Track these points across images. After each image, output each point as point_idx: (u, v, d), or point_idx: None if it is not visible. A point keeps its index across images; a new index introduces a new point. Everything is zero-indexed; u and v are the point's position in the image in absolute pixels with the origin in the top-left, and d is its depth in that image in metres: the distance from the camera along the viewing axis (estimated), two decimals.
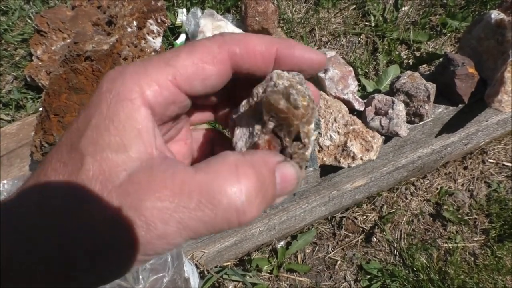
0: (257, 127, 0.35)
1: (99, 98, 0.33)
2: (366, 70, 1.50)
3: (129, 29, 1.12)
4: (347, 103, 1.07)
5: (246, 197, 0.29)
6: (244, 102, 0.37)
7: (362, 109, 1.07)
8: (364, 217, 1.42)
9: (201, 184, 0.29)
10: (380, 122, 1.03)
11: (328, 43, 1.61)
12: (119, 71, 0.34)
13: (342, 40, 1.61)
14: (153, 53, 1.09)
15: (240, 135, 0.38)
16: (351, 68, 1.08)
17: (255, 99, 0.36)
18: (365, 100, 1.09)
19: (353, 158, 0.99)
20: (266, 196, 0.31)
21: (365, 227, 1.41)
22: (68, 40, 1.33)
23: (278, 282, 1.34)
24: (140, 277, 0.85)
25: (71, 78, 0.92)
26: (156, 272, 0.87)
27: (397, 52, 1.52)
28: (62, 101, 0.91)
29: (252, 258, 1.33)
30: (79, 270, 0.29)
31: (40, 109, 1.12)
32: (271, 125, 0.34)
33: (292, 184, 0.33)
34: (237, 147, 0.37)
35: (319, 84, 1.10)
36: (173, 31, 1.50)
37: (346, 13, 1.66)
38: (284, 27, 1.59)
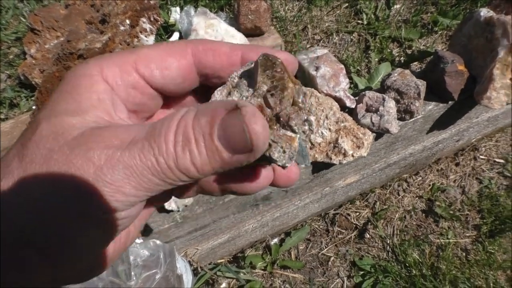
0: (246, 93, 0.34)
1: (64, 79, 0.34)
2: (358, 67, 1.51)
3: (122, 27, 1.13)
4: (338, 100, 1.08)
5: (179, 141, 0.29)
6: (219, 88, 0.36)
7: (353, 106, 1.08)
8: (357, 213, 1.43)
9: (148, 133, 0.29)
10: (371, 119, 1.04)
11: (321, 41, 1.62)
12: (86, 60, 0.36)
13: (335, 38, 1.62)
14: None
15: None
16: (343, 66, 1.09)
17: (235, 80, 0.35)
18: (357, 98, 1.10)
19: (344, 154, 1.00)
20: (201, 149, 0.29)
21: (358, 224, 1.42)
22: (62, 39, 1.33)
23: (272, 278, 1.34)
24: (132, 273, 0.85)
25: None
26: (148, 268, 0.88)
27: (389, 50, 1.54)
28: None
29: (246, 255, 1.34)
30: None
31: (34, 107, 1.12)
32: (264, 87, 0.32)
33: (237, 138, 0.29)
34: None
35: (310, 81, 1.10)
36: (167, 29, 1.50)
37: (338, 11, 1.67)
38: (277, 25, 1.60)
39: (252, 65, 0.34)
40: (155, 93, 0.37)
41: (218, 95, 0.35)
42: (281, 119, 0.33)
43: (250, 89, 0.34)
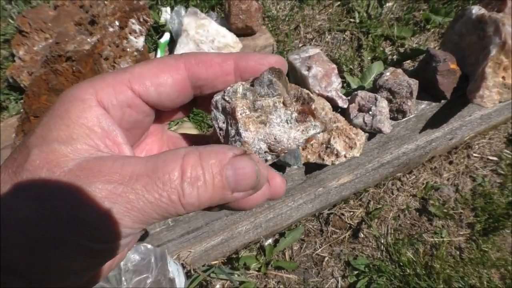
0: (266, 95, 0.38)
1: (55, 102, 0.34)
2: (351, 66, 1.50)
3: (111, 29, 1.11)
4: (330, 100, 1.07)
5: (186, 182, 0.31)
6: (219, 93, 0.38)
7: (345, 106, 1.07)
8: (351, 213, 1.43)
9: (149, 169, 0.31)
10: (364, 119, 1.03)
11: (313, 40, 1.61)
12: (79, 83, 0.35)
13: (327, 37, 1.61)
14: (135, 53, 1.08)
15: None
16: (335, 66, 1.08)
17: (219, 105, 0.38)
18: (349, 97, 1.09)
19: (337, 155, 0.99)
20: (208, 185, 0.32)
21: (352, 223, 1.41)
22: (50, 40, 1.31)
23: (266, 279, 1.34)
24: (123, 278, 0.84)
25: (51, 79, 0.91)
26: (139, 273, 0.87)
27: (381, 49, 1.53)
28: (42, 102, 0.90)
29: (240, 256, 1.33)
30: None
31: (21, 110, 1.11)
32: (285, 92, 0.38)
33: (248, 177, 0.33)
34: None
35: (302, 81, 1.09)
36: (157, 29, 1.49)
37: (330, 10, 1.66)
38: (269, 25, 1.59)
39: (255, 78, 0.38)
40: (150, 110, 0.38)
41: (219, 98, 0.38)
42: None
43: (270, 91, 0.37)
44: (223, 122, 0.39)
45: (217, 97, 0.38)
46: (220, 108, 0.38)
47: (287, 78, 0.37)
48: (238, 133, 0.37)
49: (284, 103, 0.37)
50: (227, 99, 0.38)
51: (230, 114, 0.38)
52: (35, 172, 0.31)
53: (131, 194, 0.30)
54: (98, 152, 0.33)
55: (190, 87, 0.38)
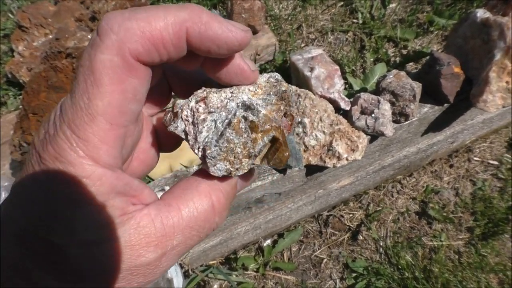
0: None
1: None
2: (353, 67, 1.49)
3: None
4: (333, 102, 1.06)
5: (221, 217, 0.36)
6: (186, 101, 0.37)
7: (348, 108, 1.07)
8: (351, 215, 1.42)
9: (189, 221, 0.33)
10: (366, 121, 1.02)
11: (316, 40, 1.60)
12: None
13: (330, 37, 1.60)
14: None
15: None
16: (338, 67, 1.07)
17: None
18: (351, 99, 1.08)
19: (339, 158, 0.98)
20: (230, 204, 0.38)
21: (351, 225, 1.41)
22: (50, 36, 1.30)
23: (264, 280, 1.33)
24: None
25: (50, 76, 0.90)
26: None
27: (384, 50, 1.52)
28: (41, 99, 0.89)
29: (238, 256, 1.33)
30: None
31: (20, 107, 1.10)
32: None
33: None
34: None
35: (305, 82, 1.09)
36: None
37: (333, 10, 1.65)
38: (271, 24, 1.58)
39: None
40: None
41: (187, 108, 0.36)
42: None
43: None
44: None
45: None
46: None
47: None
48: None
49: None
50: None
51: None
52: None
53: (180, 247, 0.33)
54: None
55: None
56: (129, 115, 0.31)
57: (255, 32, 1.38)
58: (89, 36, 1.15)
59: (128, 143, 0.34)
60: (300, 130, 1.00)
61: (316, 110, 1.00)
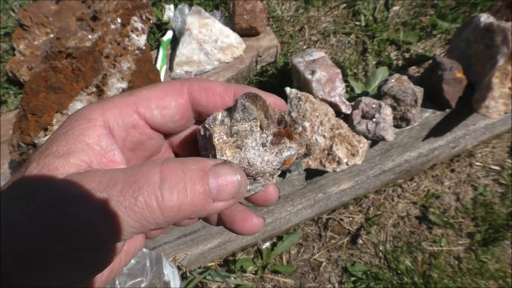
0: (242, 120, 0.38)
1: (65, 120, 0.37)
2: (355, 70, 1.48)
3: (113, 26, 1.09)
4: (334, 106, 1.05)
5: (165, 185, 0.30)
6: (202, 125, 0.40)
7: (349, 112, 1.06)
8: (351, 219, 1.41)
9: (127, 176, 0.31)
10: (367, 126, 1.01)
11: (318, 42, 1.59)
12: (90, 104, 0.38)
13: (332, 40, 1.59)
14: (136, 51, 1.06)
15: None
16: (339, 70, 1.06)
17: (201, 133, 0.39)
18: (353, 103, 1.07)
19: (338, 162, 0.98)
20: (190, 189, 0.31)
21: (351, 229, 1.40)
22: (51, 35, 1.30)
23: (263, 283, 1.33)
24: (117, 282, 0.83)
25: (50, 77, 0.90)
26: (133, 277, 0.86)
27: (386, 53, 1.51)
28: (40, 100, 0.89)
29: (237, 258, 1.32)
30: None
31: (20, 107, 1.09)
32: (262, 115, 0.39)
33: (231, 185, 0.33)
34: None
35: (306, 86, 1.08)
36: (160, 27, 1.47)
37: (336, 12, 1.64)
38: (273, 25, 1.57)
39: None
40: (154, 133, 0.40)
41: (201, 126, 0.39)
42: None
43: (246, 116, 0.37)
44: (206, 149, 0.39)
45: (201, 125, 0.39)
46: (202, 135, 0.39)
47: (266, 102, 0.38)
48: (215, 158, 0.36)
49: (261, 127, 0.38)
50: (207, 126, 0.38)
51: (208, 141, 0.38)
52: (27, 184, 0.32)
53: (107, 199, 0.30)
54: (88, 168, 0.34)
55: (191, 111, 0.40)
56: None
57: (257, 33, 1.37)
58: (89, 36, 1.15)
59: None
60: None
61: (317, 113, 0.99)
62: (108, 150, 0.36)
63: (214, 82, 0.40)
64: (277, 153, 0.38)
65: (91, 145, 0.34)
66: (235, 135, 0.38)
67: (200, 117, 0.41)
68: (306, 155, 0.40)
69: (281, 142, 0.38)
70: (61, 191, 0.31)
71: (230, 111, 0.38)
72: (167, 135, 0.43)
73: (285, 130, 0.38)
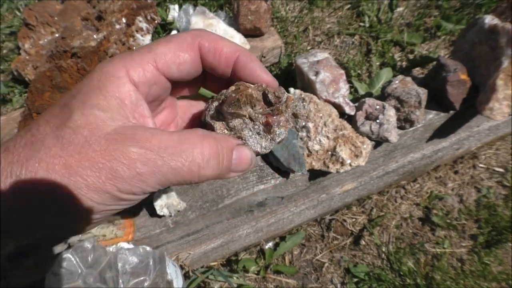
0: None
1: (92, 75, 0.41)
2: (359, 71, 1.48)
3: (117, 26, 1.10)
4: (337, 107, 1.06)
5: (206, 158, 0.41)
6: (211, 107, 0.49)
7: (352, 113, 1.06)
8: (354, 219, 1.41)
9: (176, 142, 0.40)
10: (371, 127, 1.01)
11: (322, 43, 1.59)
12: (109, 59, 0.42)
13: (336, 41, 1.59)
14: None
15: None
16: (343, 71, 1.07)
17: (210, 112, 0.48)
18: (356, 104, 1.07)
19: (342, 163, 0.98)
20: (220, 163, 0.43)
21: (354, 230, 1.40)
22: (57, 35, 1.30)
23: (265, 283, 1.33)
24: (120, 281, 0.83)
25: (55, 76, 0.90)
26: (137, 275, 0.86)
27: (390, 54, 1.51)
28: (45, 99, 0.89)
29: (240, 258, 1.32)
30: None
31: (25, 105, 1.10)
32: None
33: (246, 163, 0.46)
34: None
35: (310, 86, 1.08)
36: (165, 27, 1.48)
37: (340, 13, 1.64)
38: (278, 26, 1.57)
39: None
40: (170, 84, 0.47)
41: (204, 115, 0.49)
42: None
43: (235, 111, 0.46)
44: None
45: (203, 116, 0.49)
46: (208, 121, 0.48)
47: (248, 90, 0.45)
48: None
49: (250, 118, 0.47)
50: (208, 119, 0.48)
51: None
52: (77, 130, 0.37)
53: (159, 160, 0.38)
54: (129, 122, 0.40)
55: (200, 62, 0.46)
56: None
57: (261, 34, 1.37)
58: (94, 36, 1.15)
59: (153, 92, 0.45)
60: (304, 134, 1.00)
61: (321, 114, 0.99)
62: (138, 105, 0.42)
63: (223, 41, 0.46)
64: (271, 140, 0.48)
65: (124, 102, 0.40)
66: (232, 129, 0.47)
67: (205, 68, 0.48)
68: (295, 115, 0.50)
69: (272, 131, 0.47)
70: (118, 145, 0.38)
71: (221, 105, 0.47)
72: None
73: (272, 111, 0.46)
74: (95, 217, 0.40)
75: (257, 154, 0.49)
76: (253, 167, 0.54)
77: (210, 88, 0.55)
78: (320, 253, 1.37)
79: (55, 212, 0.38)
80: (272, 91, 0.46)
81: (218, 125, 0.47)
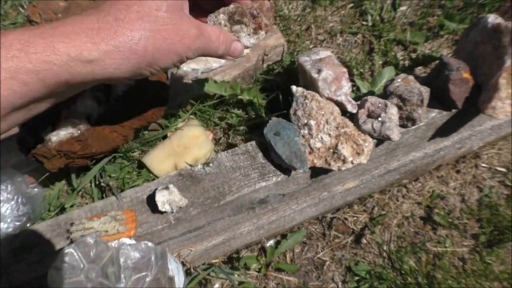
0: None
1: None
2: (361, 70, 1.48)
3: None
4: (340, 104, 1.06)
5: (220, 45, 0.74)
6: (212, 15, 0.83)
7: (355, 111, 1.06)
8: (355, 218, 1.41)
9: (203, 29, 0.69)
10: (372, 125, 1.01)
11: (324, 42, 1.59)
12: None
13: (339, 39, 1.59)
14: None
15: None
16: (345, 69, 1.07)
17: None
18: (358, 102, 1.07)
19: (344, 161, 0.98)
20: (226, 48, 0.76)
21: (355, 228, 1.40)
22: None
23: (266, 281, 1.33)
24: (122, 275, 0.84)
25: None
26: (138, 271, 0.86)
27: (393, 53, 1.51)
28: None
29: (241, 256, 1.32)
30: None
31: None
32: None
33: (238, 51, 0.80)
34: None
35: (312, 84, 1.08)
36: None
37: (343, 12, 1.64)
38: (280, 24, 1.57)
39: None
40: None
41: (210, 19, 0.82)
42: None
43: (238, 19, 0.81)
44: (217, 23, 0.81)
45: (209, 17, 0.81)
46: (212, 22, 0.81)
47: (245, 9, 0.81)
48: None
49: (245, 24, 0.81)
50: (216, 23, 0.80)
51: None
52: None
53: (196, 38, 0.67)
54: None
55: None
56: None
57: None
58: None
59: None
60: (306, 132, 1.00)
61: (323, 112, 0.99)
62: None
63: None
64: (257, 38, 0.85)
65: None
66: (233, 32, 0.82)
67: None
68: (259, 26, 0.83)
69: (257, 32, 0.84)
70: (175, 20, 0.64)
71: (229, 17, 0.80)
72: None
73: (259, 24, 0.83)
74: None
75: (246, 47, 0.84)
76: (240, 56, 0.82)
77: (204, 5, 0.82)
78: (322, 251, 1.37)
79: None
80: (254, 8, 0.82)
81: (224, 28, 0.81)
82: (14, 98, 0.51)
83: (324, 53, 1.11)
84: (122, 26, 0.55)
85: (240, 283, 1.29)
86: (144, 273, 0.87)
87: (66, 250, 0.85)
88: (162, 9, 0.59)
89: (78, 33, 0.53)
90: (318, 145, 0.99)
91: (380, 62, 1.49)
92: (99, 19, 0.55)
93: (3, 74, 0.47)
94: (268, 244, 1.35)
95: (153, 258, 0.89)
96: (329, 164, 0.99)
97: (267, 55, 1.40)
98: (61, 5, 1.35)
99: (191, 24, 0.65)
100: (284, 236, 1.36)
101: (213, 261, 1.32)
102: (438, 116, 1.11)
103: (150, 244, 0.92)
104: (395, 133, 1.01)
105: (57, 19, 1.32)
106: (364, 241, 1.37)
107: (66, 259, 0.84)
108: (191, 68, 1.30)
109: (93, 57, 0.54)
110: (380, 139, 1.05)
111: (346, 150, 0.97)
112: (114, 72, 0.58)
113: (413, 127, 1.07)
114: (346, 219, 1.40)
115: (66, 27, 0.54)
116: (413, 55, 1.52)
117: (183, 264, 1.13)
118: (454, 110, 1.12)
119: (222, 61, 1.31)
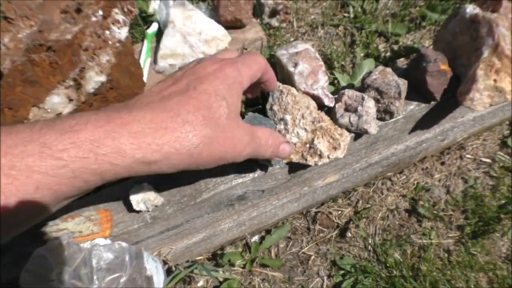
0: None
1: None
2: (342, 63, 1.47)
3: (93, 18, 1.08)
4: (317, 98, 1.04)
5: (267, 148, 0.79)
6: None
7: (332, 105, 1.05)
8: (339, 212, 1.40)
9: (254, 135, 0.74)
10: (350, 119, 1.00)
11: (305, 34, 1.57)
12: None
13: (320, 32, 1.57)
14: (117, 44, 1.05)
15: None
16: (322, 63, 1.05)
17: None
18: (336, 96, 1.06)
19: (320, 156, 0.97)
20: (271, 152, 0.81)
21: (340, 222, 1.39)
22: (35, 28, 1.28)
23: (251, 277, 1.32)
24: (95, 277, 0.82)
25: (26, 70, 0.89)
26: (112, 272, 0.85)
27: (375, 45, 1.49)
28: (17, 94, 0.88)
29: (225, 252, 1.32)
30: None
31: None
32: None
33: (287, 153, 0.87)
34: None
35: (288, 78, 1.07)
36: (146, 19, 1.45)
37: (325, 4, 1.62)
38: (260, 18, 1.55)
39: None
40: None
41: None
42: None
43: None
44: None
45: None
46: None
47: None
48: None
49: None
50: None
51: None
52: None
53: (249, 146, 0.72)
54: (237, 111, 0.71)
55: None
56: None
57: (242, 25, 1.35)
58: (73, 29, 1.13)
59: None
60: (282, 127, 0.99)
61: (298, 107, 0.98)
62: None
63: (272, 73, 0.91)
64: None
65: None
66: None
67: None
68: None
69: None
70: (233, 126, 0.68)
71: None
72: None
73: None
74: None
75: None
76: (288, 156, 0.93)
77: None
78: (306, 246, 1.37)
79: None
80: None
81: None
82: (72, 192, 0.55)
83: (301, 46, 1.09)
84: (188, 130, 0.57)
85: (225, 279, 1.28)
86: (118, 274, 0.86)
87: (38, 252, 0.84)
88: (224, 116, 0.61)
89: (146, 133, 0.55)
90: (294, 140, 0.98)
91: (362, 55, 1.48)
92: (169, 119, 0.56)
93: (69, 174, 0.50)
94: (252, 240, 1.34)
95: (127, 258, 0.88)
96: (306, 159, 0.98)
97: (246, 49, 1.38)
98: (36, 1, 1.32)
99: (245, 131, 0.68)
100: (268, 231, 1.35)
101: (197, 258, 1.31)
102: (416, 109, 1.10)
103: (124, 244, 0.90)
104: (373, 127, 0.99)
105: (32, 15, 1.29)
106: (349, 234, 1.37)
107: (38, 261, 0.83)
108: (169, 64, 1.28)
109: (154, 159, 0.56)
110: (358, 133, 1.03)
111: (322, 144, 0.96)
112: (166, 170, 0.61)
113: (392, 120, 1.06)
114: (330, 213, 1.40)
115: (135, 126, 0.55)
116: (395, 47, 1.50)
117: (164, 262, 1.12)
118: (433, 102, 1.11)
119: (200, 55, 1.29)
